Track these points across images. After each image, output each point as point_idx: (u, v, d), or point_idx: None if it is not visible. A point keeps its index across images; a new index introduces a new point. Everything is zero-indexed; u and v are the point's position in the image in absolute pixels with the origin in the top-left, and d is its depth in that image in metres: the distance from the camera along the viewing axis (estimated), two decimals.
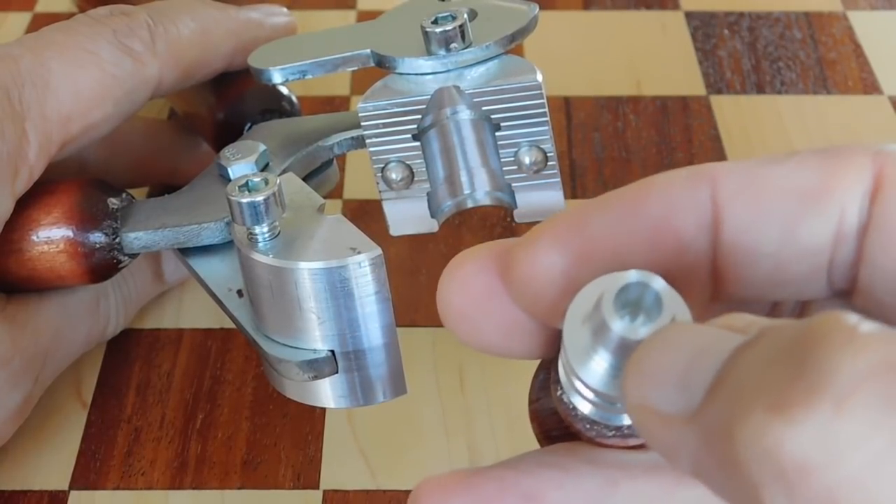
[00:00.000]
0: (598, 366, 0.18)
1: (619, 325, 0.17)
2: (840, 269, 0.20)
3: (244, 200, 0.29)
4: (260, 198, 0.29)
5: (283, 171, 0.34)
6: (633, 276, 0.18)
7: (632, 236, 0.20)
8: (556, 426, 0.22)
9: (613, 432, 0.20)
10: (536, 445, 0.37)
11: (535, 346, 0.21)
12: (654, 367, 0.17)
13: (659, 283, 0.18)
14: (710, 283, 0.20)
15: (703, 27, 0.54)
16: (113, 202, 0.34)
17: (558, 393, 0.20)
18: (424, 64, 0.32)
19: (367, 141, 0.33)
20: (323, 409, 0.37)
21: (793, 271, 0.20)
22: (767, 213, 0.19)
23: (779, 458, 0.15)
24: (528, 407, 0.23)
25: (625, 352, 0.18)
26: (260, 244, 0.29)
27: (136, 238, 0.33)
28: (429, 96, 0.32)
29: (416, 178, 0.33)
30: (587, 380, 0.19)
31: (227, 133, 0.37)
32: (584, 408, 0.19)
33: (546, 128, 0.32)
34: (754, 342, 0.16)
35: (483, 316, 0.21)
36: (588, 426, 0.20)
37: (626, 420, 0.19)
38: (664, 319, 0.17)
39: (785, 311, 0.22)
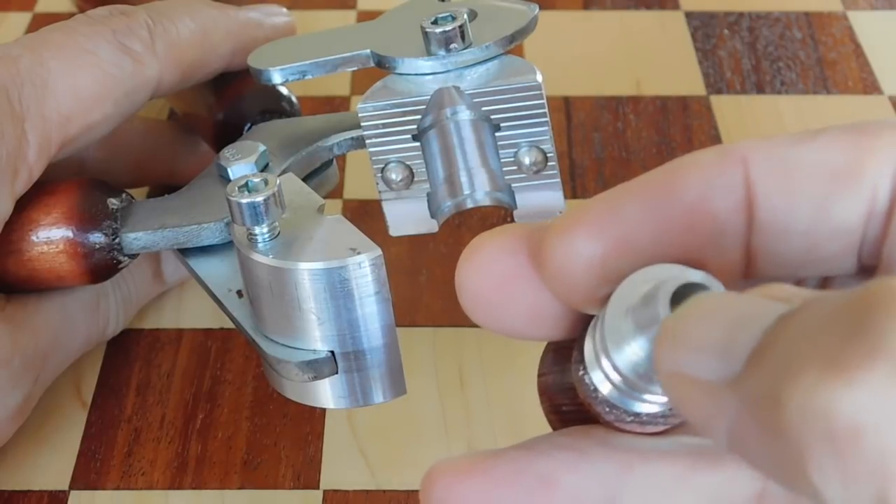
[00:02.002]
0: (634, 353, 0.18)
1: None
2: (868, 246, 0.20)
3: (244, 201, 0.29)
4: (260, 198, 0.29)
5: (283, 172, 0.34)
6: (697, 276, 0.18)
7: (669, 221, 0.19)
8: (566, 402, 0.22)
9: (632, 418, 0.20)
10: None
11: (558, 328, 0.21)
12: (691, 333, 0.17)
13: (718, 288, 0.18)
14: (743, 262, 0.20)
15: (703, 27, 0.54)
16: (113, 202, 0.34)
17: (580, 373, 0.20)
18: (424, 64, 0.32)
19: (367, 141, 0.33)
20: (323, 410, 0.37)
21: (826, 249, 0.20)
22: (800, 192, 0.19)
23: (831, 419, 0.14)
24: (538, 380, 0.23)
25: None
26: (259, 245, 0.29)
27: (135, 238, 0.33)
28: (428, 97, 0.32)
29: (415, 179, 0.33)
30: (620, 364, 0.19)
31: (227, 133, 0.37)
32: (607, 390, 0.19)
33: (546, 128, 0.32)
34: (802, 310, 0.16)
35: (506, 298, 0.20)
36: (608, 409, 0.20)
37: (647, 408, 0.19)
38: None
39: (807, 287, 0.21)
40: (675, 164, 0.20)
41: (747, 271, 0.20)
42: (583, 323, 0.20)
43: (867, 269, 0.20)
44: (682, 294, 0.18)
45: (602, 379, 0.19)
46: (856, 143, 0.19)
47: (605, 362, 0.19)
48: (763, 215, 0.19)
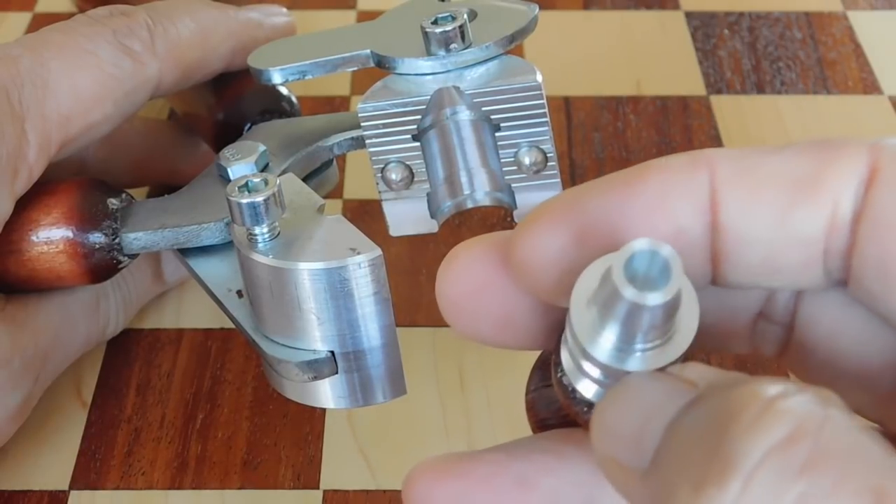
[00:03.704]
0: (605, 340, 0.19)
1: (629, 292, 0.18)
2: (835, 259, 0.20)
3: (244, 201, 0.29)
4: (259, 198, 0.29)
5: (283, 172, 0.34)
6: (642, 243, 0.18)
7: (629, 218, 0.20)
8: (551, 416, 0.22)
9: None
10: None
11: (531, 336, 0.21)
12: (613, 422, 0.19)
13: (667, 250, 0.18)
14: (709, 268, 0.20)
15: (703, 27, 0.54)
16: (113, 202, 0.34)
17: (558, 375, 0.20)
18: (424, 64, 0.32)
19: (367, 141, 0.33)
20: (323, 410, 0.37)
21: (786, 259, 0.20)
22: (762, 199, 0.20)
23: None
24: (525, 398, 0.23)
25: (634, 321, 0.18)
26: (259, 245, 0.29)
27: (135, 238, 0.33)
28: (428, 97, 0.32)
29: (415, 179, 0.33)
30: (594, 353, 0.19)
31: (227, 133, 0.37)
32: (585, 389, 0.20)
33: (546, 128, 0.32)
34: (693, 406, 0.18)
35: (478, 305, 0.21)
36: (585, 409, 0.20)
37: None
38: (673, 287, 0.18)
39: (780, 301, 0.22)
40: (643, 164, 0.20)
41: (715, 278, 0.21)
42: (556, 331, 0.20)
43: (838, 283, 0.20)
44: (634, 270, 0.18)
45: (578, 376, 0.20)
46: (819, 156, 0.20)
47: (579, 359, 0.19)
48: (725, 221, 0.20)
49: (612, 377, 0.19)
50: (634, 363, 0.19)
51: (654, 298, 0.18)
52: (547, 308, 0.21)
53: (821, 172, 0.19)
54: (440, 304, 0.21)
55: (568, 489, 0.21)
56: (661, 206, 0.20)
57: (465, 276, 0.21)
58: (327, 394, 0.31)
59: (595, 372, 0.19)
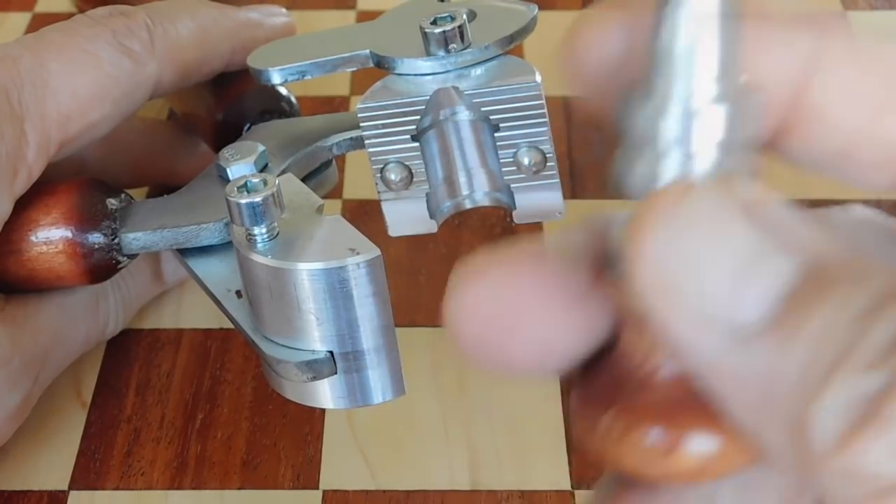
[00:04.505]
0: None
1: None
2: None
3: (243, 201, 0.29)
4: (259, 198, 0.29)
5: (282, 172, 0.34)
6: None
7: None
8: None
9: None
10: (535, 449, 0.37)
11: (569, 356, 0.19)
12: (689, 244, 0.16)
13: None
14: (770, 133, 0.19)
15: None
16: (112, 203, 0.34)
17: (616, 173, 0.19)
18: (423, 65, 0.32)
19: (366, 142, 0.33)
20: (322, 410, 0.37)
21: (864, 153, 0.19)
22: (864, 87, 0.19)
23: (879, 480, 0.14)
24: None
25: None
26: (259, 245, 0.29)
27: (134, 239, 0.33)
28: (428, 97, 0.32)
29: (415, 179, 0.33)
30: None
31: (227, 133, 0.37)
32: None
33: (545, 129, 0.32)
34: (829, 289, 0.15)
35: (514, 328, 0.18)
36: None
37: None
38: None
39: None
40: None
41: (774, 142, 0.19)
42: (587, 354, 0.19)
43: None
44: None
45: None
46: None
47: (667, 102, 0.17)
48: (817, 94, 0.19)
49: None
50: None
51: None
52: (583, 324, 0.19)
53: None
54: (456, 331, 0.19)
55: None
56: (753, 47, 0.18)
57: (491, 302, 0.18)
58: (326, 394, 0.31)
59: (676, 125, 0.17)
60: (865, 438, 0.14)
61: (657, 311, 0.16)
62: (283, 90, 0.38)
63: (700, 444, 0.18)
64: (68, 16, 0.38)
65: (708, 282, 0.16)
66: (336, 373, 0.30)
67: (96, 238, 0.33)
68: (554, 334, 0.19)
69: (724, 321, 0.16)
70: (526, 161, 0.32)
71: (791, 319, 0.15)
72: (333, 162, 0.37)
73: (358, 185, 0.45)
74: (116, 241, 0.33)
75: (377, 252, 0.29)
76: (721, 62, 0.17)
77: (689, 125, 0.17)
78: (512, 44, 0.33)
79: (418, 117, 0.32)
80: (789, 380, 0.15)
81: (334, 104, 0.49)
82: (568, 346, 0.19)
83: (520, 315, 0.18)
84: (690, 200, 0.16)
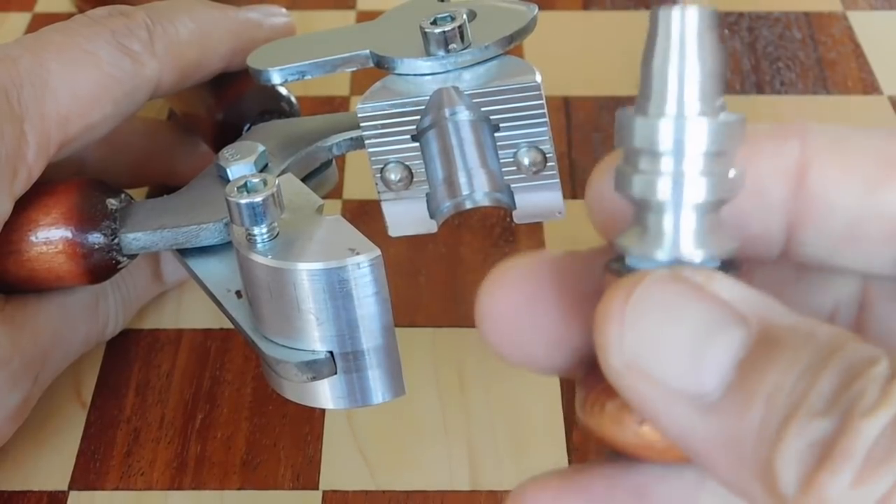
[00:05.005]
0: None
1: None
2: None
3: (243, 201, 0.29)
4: (258, 199, 0.29)
5: (282, 172, 0.34)
6: None
7: None
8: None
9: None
10: (536, 446, 0.37)
11: (575, 356, 0.21)
12: (648, 322, 0.17)
13: None
14: (783, 236, 0.21)
15: None
16: (112, 203, 0.34)
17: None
18: (423, 65, 0.32)
19: (366, 142, 0.33)
20: (322, 410, 0.37)
21: (869, 229, 0.20)
22: (854, 169, 0.20)
23: None
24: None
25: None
26: (258, 245, 0.29)
27: (134, 239, 0.33)
28: (428, 97, 0.32)
29: (415, 179, 0.33)
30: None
31: (226, 134, 0.37)
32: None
33: (545, 129, 0.32)
34: (776, 354, 0.17)
35: (528, 322, 0.21)
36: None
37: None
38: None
39: (842, 305, 0.22)
40: None
41: (787, 250, 0.21)
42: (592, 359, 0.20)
43: None
44: None
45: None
46: None
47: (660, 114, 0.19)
48: (814, 186, 0.20)
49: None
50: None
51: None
52: None
53: None
54: (484, 327, 0.21)
55: (677, 493, 0.20)
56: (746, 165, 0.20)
57: (513, 293, 0.21)
58: (326, 394, 0.31)
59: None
60: (823, 478, 0.16)
61: (629, 390, 0.18)
62: (282, 90, 0.38)
63: None
64: (68, 16, 0.38)
65: (668, 360, 0.17)
66: (336, 373, 0.30)
67: (96, 238, 0.33)
68: (571, 334, 0.20)
69: (688, 393, 0.17)
70: (526, 161, 0.32)
71: (745, 383, 0.17)
72: (333, 162, 0.37)
73: (358, 185, 0.45)
74: (116, 241, 0.33)
75: (377, 252, 0.29)
76: (702, 82, 0.18)
77: (681, 137, 0.18)
78: (512, 44, 0.33)
79: (418, 117, 0.32)
80: (751, 436, 0.17)
81: (334, 104, 0.49)
82: (584, 344, 0.20)
83: (542, 317, 0.20)
84: (644, 289, 0.18)
